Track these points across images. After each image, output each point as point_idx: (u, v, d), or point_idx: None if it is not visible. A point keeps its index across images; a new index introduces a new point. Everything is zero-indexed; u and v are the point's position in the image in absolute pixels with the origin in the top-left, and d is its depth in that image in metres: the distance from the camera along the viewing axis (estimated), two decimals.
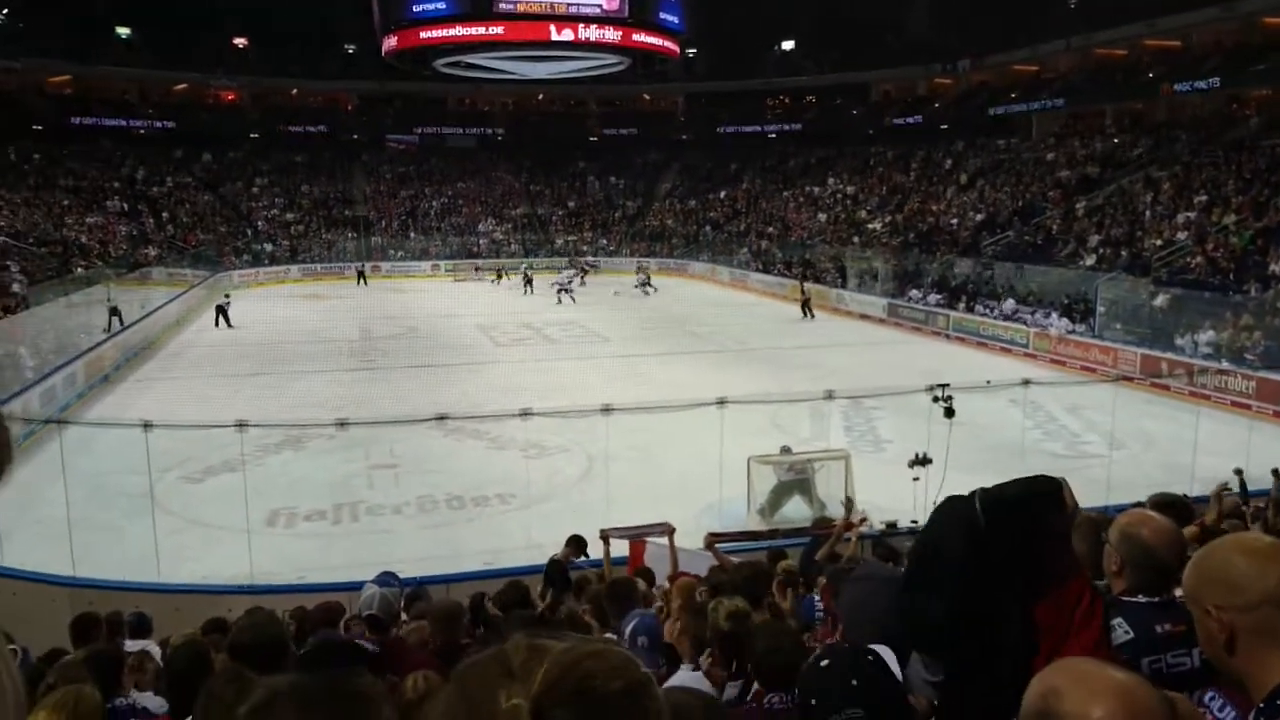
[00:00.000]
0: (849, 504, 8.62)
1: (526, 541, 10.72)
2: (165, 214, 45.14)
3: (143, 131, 48.17)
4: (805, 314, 30.10)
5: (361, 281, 41.29)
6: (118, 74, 47.76)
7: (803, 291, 31.02)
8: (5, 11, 44.27)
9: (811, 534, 8.75)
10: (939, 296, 29.70)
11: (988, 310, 27.26)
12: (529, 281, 37.02)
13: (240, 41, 49.60)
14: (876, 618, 2.24)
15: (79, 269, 31.97)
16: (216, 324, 28.55)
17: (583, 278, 38.72)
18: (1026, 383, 14.26)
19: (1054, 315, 24.75)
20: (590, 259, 45.72)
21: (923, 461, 10.49)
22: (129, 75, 48.03)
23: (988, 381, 14.14)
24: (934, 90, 48.75)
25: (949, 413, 11.26)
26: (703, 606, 3.34)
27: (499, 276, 40.70)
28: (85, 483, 11.85)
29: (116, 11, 46.08)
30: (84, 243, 37.14)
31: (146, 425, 10.35)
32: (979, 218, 35.81)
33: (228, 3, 45.02)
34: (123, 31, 47.61)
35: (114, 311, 25.17)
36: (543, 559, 8.43)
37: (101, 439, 12.79)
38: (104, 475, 12.66)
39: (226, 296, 30.36)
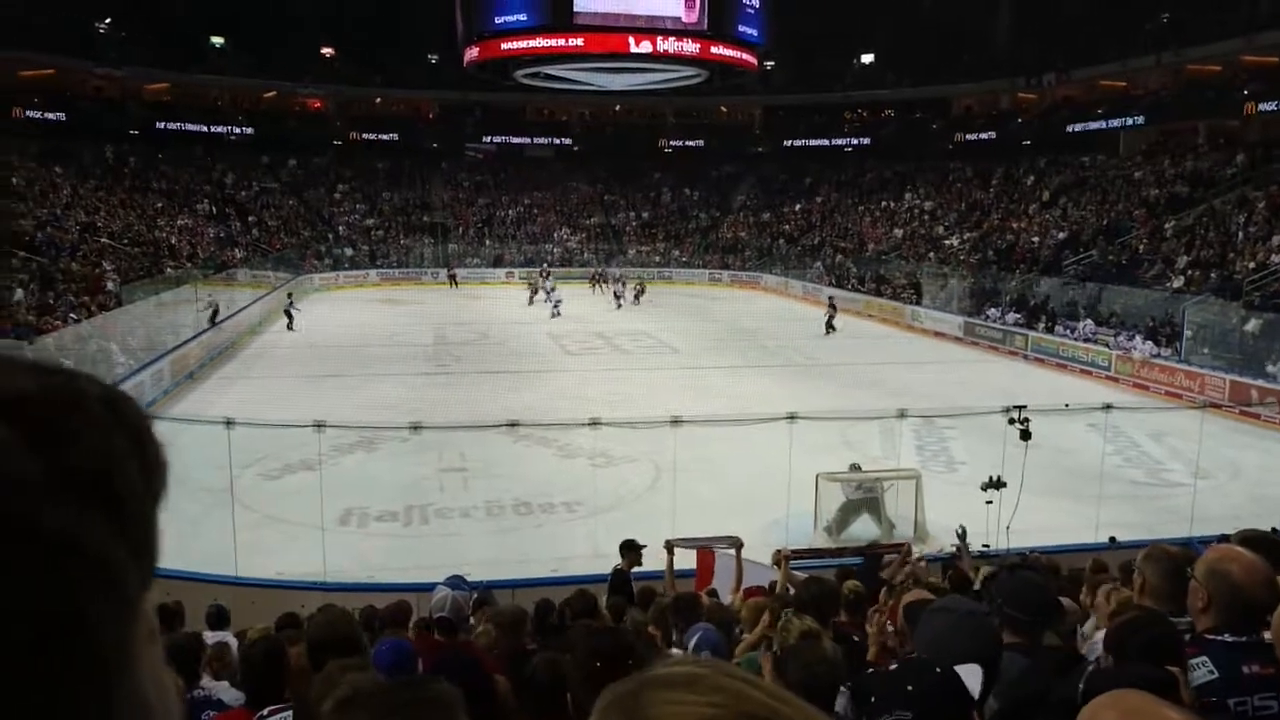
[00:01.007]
0: (963, 534, 8.14)
1: (592, 550, 10.76)
2: (251, 217, 46.56)
3: (232, 137, 49.76)
4: (828, 330, 29.65)
5: (453, 284, 42.73)
6: (210, 82, 49.46)
7: (831, 308, 30.78)
8: (109, 22, 46.19)
9: (868, 553, 8.63)
10: (1017, 316, 29.06)
11: (1068, 331, 26.58)
12: (539, 291, 36.11)
13: (327, 51, 51.00)
14: (958, 651, 2.20)
15: (169, 269, 33.10)
16: (290, 327, 29.35)
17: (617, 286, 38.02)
18: (1108, 407, 13.85)
19: (1137, 338, 24.03)
20: (612, 270, 44.28)
21: (997, 485, 10.25)
22: (221, 83, 49.70)
23: (1066, 405, 13.77)
24: (1017, 105, 47.81)
25: (1025, 435, 11.00)
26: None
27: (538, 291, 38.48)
28: (169, 476, 12.23)
29: (211, 22, 47.79)
30: (174, 244, 38.45)
31: (229, 423, 10.67)
32: (1061, 236, 34.97)
33: (316, 14, 46.33)
34: (216, 41, 49.35)
35: (213, 308, 26.29)
36: (607, 568, 8.48)
37: (186, 434, 13.17)
38: (187, 469, 13.03)
39: (289, 297, 31.24)
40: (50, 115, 41.80)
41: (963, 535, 7.82)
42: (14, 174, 34.21)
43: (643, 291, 37.77)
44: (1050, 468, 13.26)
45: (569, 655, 2.60)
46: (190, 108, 49.26)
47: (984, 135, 47.04)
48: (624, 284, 37.86)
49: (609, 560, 8.68)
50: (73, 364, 14.74)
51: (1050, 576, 5.21)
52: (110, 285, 27.34)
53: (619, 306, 34.21)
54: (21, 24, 31.23)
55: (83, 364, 18.75)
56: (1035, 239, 35.89)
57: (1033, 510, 10.85)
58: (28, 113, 40.76)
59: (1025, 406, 11.30)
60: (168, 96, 49.43)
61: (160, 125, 47.31)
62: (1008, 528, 9.88)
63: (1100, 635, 3.04)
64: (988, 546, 9.51)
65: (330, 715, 1.26)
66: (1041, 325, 27.70)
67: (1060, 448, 14.56)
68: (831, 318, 29.98)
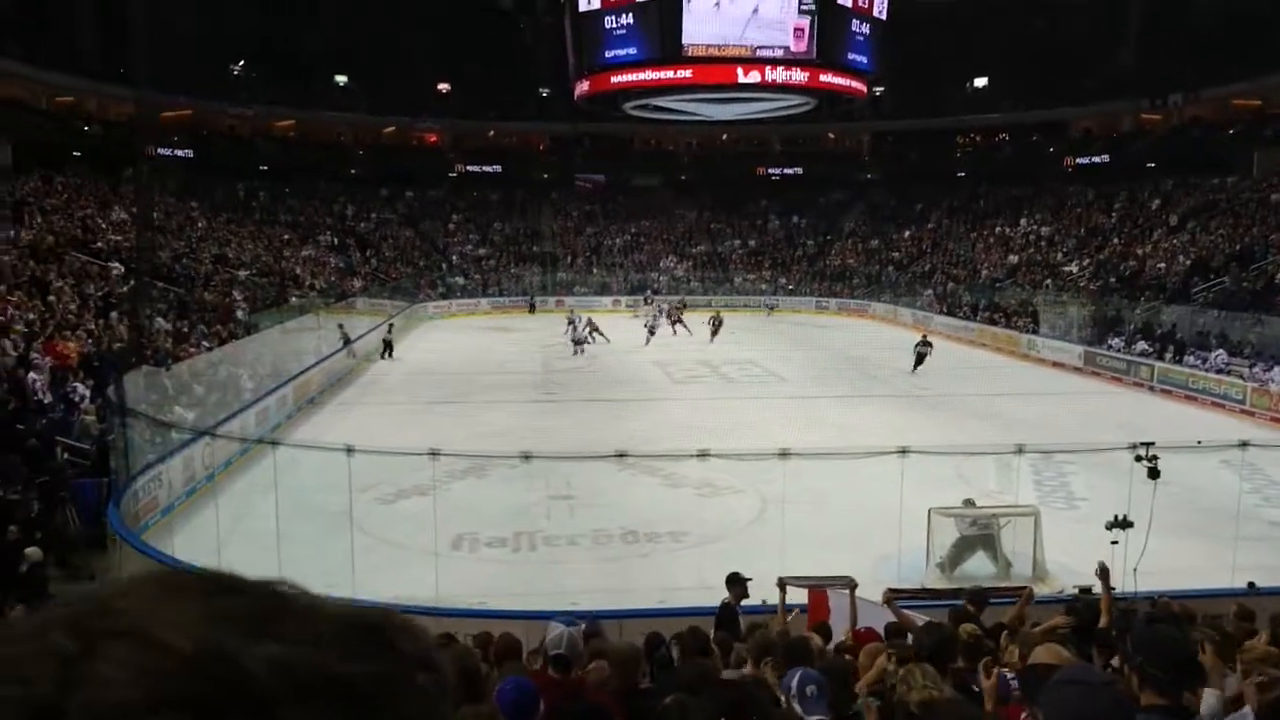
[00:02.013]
0: (1104, 572, 7.64)
1: (698, 582, 10.71)
2: (370, 248, 48.36)
3: (353, 171, 51.86)
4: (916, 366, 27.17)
5: (531, 311, 43.75)
6: (334, 119, 51.74)
7: (926, 344, 27.70)
8: (241, 64, 48.89)
9: (977, 596, 8.33)
10: (1144, 345, 27.82)
11: (1199, 362, 25.30)
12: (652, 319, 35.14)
13: (443, 87, 52.75)
14: None
15: (293, 298, 34.56)
16: (385, 356, 29.74)
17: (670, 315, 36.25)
18: (1244, 444, 13.12)
19: (1276, 369, 22.71)
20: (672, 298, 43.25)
21: (1123, 524, 9.81)
22: (343, 120, 51.95)
23: (1198, 441, 13.10)
24: (1141, 126, 46.05)
25: (1154, 474, 10.51)
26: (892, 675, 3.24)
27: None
28: (291, 498, 12.73)
29: (335, 62, 50.08)
30: (298, 274, 40.17)
31: (349, 450, 11.04)
32: (1189, 262, 33.42)
33: (433, 52, 48.05)
34: (340, 80, 51.66)
35: (344, 333, 27.75)
36: (713, 599, 8.44)
37: (306, 458, 13.73)
38: (308, 492, 13.57)
39: (390, 328, 31.50)
40: (186, 153, 44.25)
41: (1104, 574, 7.42)
42: (155, 209, 36.33)
43: (719, 324, 34.04)
44: (1180, 506, 12.62)
45: (695, 701, 2.60)
46: (314, 144, 51.64)
47: (1105, 158, 45.41)
48: (662, 312, 35.72)
49: (715, 592, 8.64)
50: (204, 390, 15.48)
51: (1186, 626, 4.93)
52: (240, 314, 28.69)
53: (648, 341, 32.40)
54: (165, 69, 33.31)
55: (213, 390, 19.71)
56: (1161, 265, 34.39)
57: (1162, 552, 10.34)
58: (167, 151, 43.24)
59: (1153, 443, 10.80)
60: (293, 133, 51.93)
61: (293, 161, 49.73)
62: (1135, 570, 9.44)
63: (1246, 712, 2.83)
64: (1114, 589, 9.09)
65: None
66: (1169, 355, 26.46)
67: (1191, 485, 13.85)
68: (923, 355, 27.15)
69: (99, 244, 30.38)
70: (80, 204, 34.15)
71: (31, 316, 20.02)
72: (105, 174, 38.81)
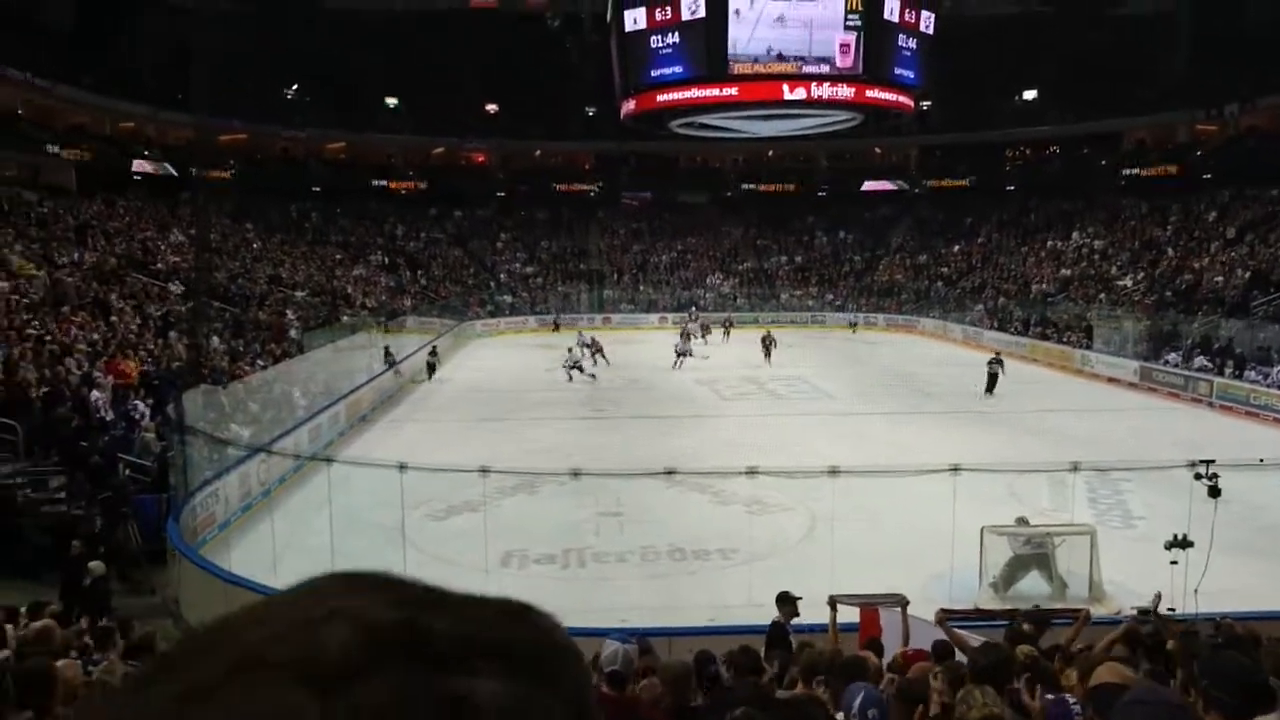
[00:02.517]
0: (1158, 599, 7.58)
1: (747, 599, 10.67)
2: (420, 267, 49.04)
3: (403, 192, 52.67)
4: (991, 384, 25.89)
5: (555, 329, 43.35)
6: (384, 140, 52.64)
7: (997, 362, 26.24)
8: (295, 88, 50.03)
9: (1031, 621, 8.19)
10: (1202, 360, 27.22)
11: (1260, 377, 24.68)
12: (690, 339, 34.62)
13: (491, 108, 53.46)
14: None
15: (345, 317, 35.14)
16: (427, 377, 29.25)
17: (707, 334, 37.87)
18: None
19: None
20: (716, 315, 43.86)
21: (1182, 544, 9.60)
22: (393, 141, 52.83)
23: (1260, 459, 12.79)
24: (1196, 137, 45.17)
25: (1214, 492, 10.28)
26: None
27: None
28: (344, 513, 12.92)
29: (385, 85, 51.03)
30: (349, 293, 40.84)
31: (402, 467, 11.18)
32: (1248, 275, 32.66)
33: (481, 73, 48.76)
34: (390, 102, 52.60)
35: (387, 351, 27.90)
36: (763, 618, 8.39)
37: (359, 475, 13.92)
38: (360, 508, 13.76)
39: (434, 349, 30.87)
40: (241, 175, 45.20)
41: (1155, 604, 7.30)
42: (212, 231, 37.21)
43: (772, 344, 33.12)
44: (1242, 526, 12.32)
45: (762, 716, 2.61)
46: (365, 165, 52.58)
47: (1159, 170, 44.60)
48: (696, 333, 36.40)
49: (764, 610, 8.59)
50: (259, 408, 15.80)
51: (1251, 648, 4.82)
52: (293, 333, 29.23)
53: (677, 364, 31.35)
54: (221, 94, 34.25)
55: (268, 407, 20.08)
56: (1219, 278, 33.66)
57: (1223, 572, 10.10)
58: (222, 173, 44.25)
59: (1213, 461, 10.57)
60: (344, 155, 52.94)
61: (344, 182, 50.70)
62: (1196, 590, 9.23)
63: None
64: (1173, 610, 8.89)
65: None
66: (1229, 371, 25.85)
67: (1253, 504, 13.50)
68: (995, 375, 25.76)
69: (158, 265, 31.18)
70: (140, 226, 35.10)
71: (95, 336, 20.60)
72: (164, 197, 39.89)
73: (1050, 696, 3.57)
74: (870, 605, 8.09)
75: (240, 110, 43.22)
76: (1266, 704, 2.59)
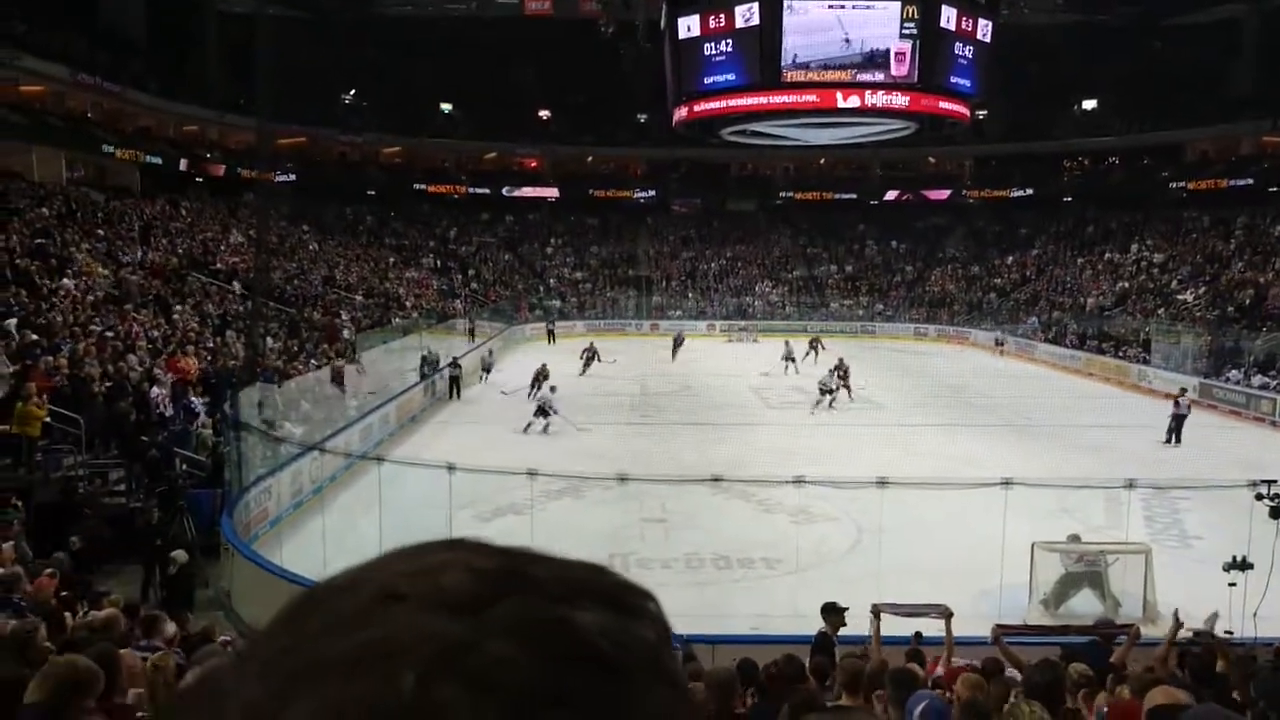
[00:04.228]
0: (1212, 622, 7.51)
1: (792, 610, 10.60)
2: (471, 271, 49.53)
3: (456, 196, 53.27)
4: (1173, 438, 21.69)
5: (551, 340, 41.44)
6: (438, 145, 53.31)
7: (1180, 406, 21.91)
8: (352, 93, 50.89)
9: (1100, 633, 8.07)
10: (1265, 378, 26.52)
11: None
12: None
13: (544, 114, 53.87)
14: None
15: (397, 319, 35.60)
16: (451, 395, 26.98)
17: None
18: None
19: None
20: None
21: (1242, 565, 9.37)
22: (448, 146, 53.46)
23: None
24: (1262, 149, 44.02)
25: (1276, 513, 10.02)
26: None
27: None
28: (393, 512, 13.09)
29: (442, 91, 51.69)
30: (401, 295, 41.37)
31: (450, 468, 11.30)
32: None
33: (535, 80, 49.19)
34: (446, 107, 53.27)
35: (425, 360, 27.29)
36: (807, 628, 8.35)
37: (408, 475, 14.09)
38: (409, 508, 13.91)
39: (457, 366, 27.74)
40: (299, 178, 46.00)
41: (1211, 624, 7.18)
42: (270, 232, 37.95)
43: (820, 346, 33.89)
44: None
45: None
46: (420, 169, 53.30)
47: (1224, 182, 43.55)
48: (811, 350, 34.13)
49: (809, 620, 8.54)
50: (311, 406, 16.07)
51: None
52: (346, 334, 29.67)
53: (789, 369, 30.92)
54: (281, 99, 34.94)
55: (319, 407, 20.42)
56: None
57: None
58: (281, 176, 45.12)
59: (1275, 481, 10.31)
60: (400, 159, 53.71)
61: (401, 186, 51.44)
62: (1255, 614, 9.00)
63: None
64: (1231, 633, 8.67)
65: None
66: None
67: None
68: (1181, 420, 21.33)
69: (218, 265, 31.87)
70: (201, 227, 35.90)
71: (155, 334, 21.12)
72: (225, 198, 40.78)
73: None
74: (913, 616, 8.02)
75: (300, 115, 44.04)
76: None
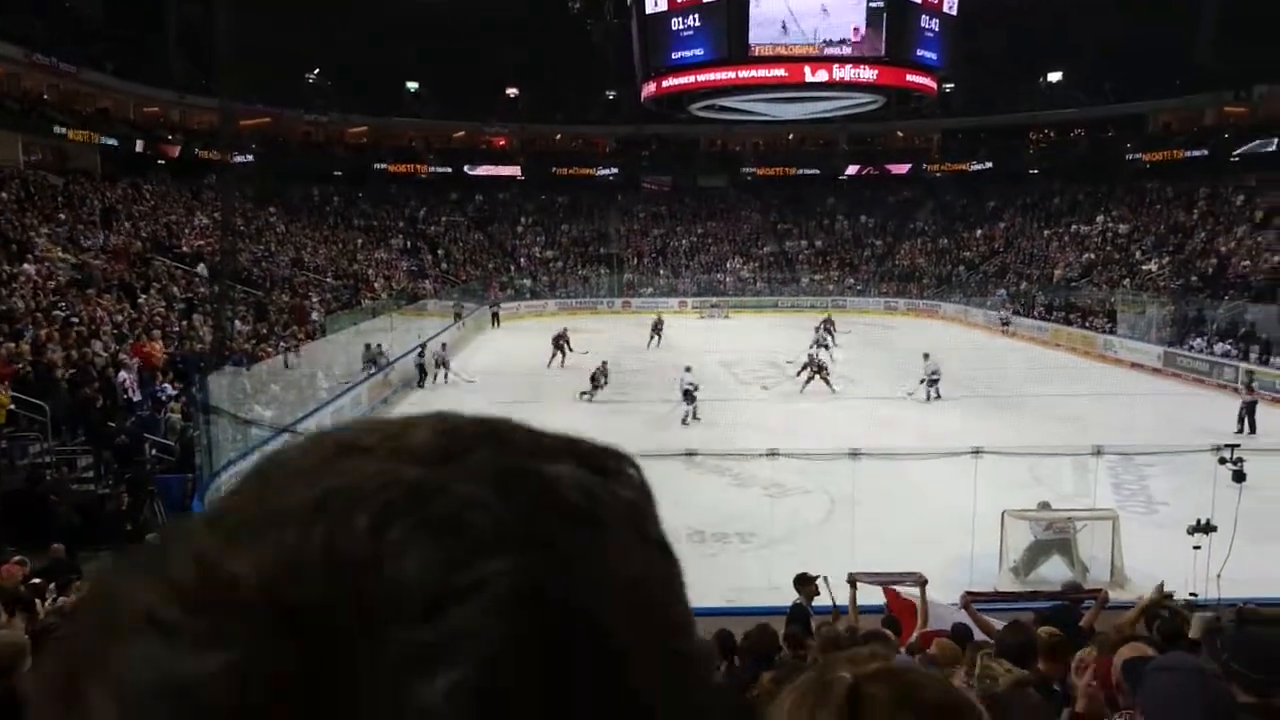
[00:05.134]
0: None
1: (767, 582, 10.71)
2: (440, 251, 49.20)
3: (424, 175, 52.80)
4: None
5: (495, 323, 40.22)
6: (405, 124, 52.77)
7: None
8: (317, 72, 50.20)
9: (1069, 598, 8.21)
10: (1226, 346, 26.97)
11: None
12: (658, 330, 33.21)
13: (511, 91, 53.44)
14: (1189, 711, 2.10)
15: (366, 300, 35.32)
16: (420, 383, 26.00)
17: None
18: None
19: None
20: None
21: (1205, 529, 9.57)
22: (415, 125, 52.95)
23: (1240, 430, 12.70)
24: (1223, 119, 44.55)
25: (1239, 476, 10.23)
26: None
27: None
28: None
29: (407, 69, 51.10)
30: (370, 276, 41.03)
31: None
32: (1276, 259, 32.27)
33: (502, 57, 48.71)
34: (412, 86, 52.69)
35: (368, 350, 25.11)
36: (782, 600, 8.43)
37: None
38: None
39: (422, 354, 26.55)
40: (264, 159, 45.37)
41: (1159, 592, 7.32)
42: (235, 215, 37.46)
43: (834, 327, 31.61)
44: (1268, 512, 12.21)
45: None
46: (387, 149, 52.75)
47: (1186, 153, 44.07)
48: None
49: (782, 592, 8.63)
50: (281, 389, 15.91)
51: (1276, 629, 4.79)
52: (315, 316, 29.40)
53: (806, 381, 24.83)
54: (244, 79, 34.38)
55: (289, 389, 20.25)
56: (1246, 263, 33.28)
57: (1248, 558, 10.04)
58: (245, 157, 44.51)
59: (1238, 445, 10.51)
60: (367, 139, 53.12)
61: (367, 166, 50.88)
62: (1219, 576, 9.20)
63: None
64: (1195, 595, 8.87)
65: None
66: (1255, 356, 25.60)
67: (1278, 490, 13.39)
68: (1252, 406, 19.92)
69: (183, 248, 31.44)
70: (165, 210, 35.38)
71: (120, 319, 20.82)
72: (189, 180, 40.18)
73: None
74: (888, 584, 8.13)
75: (264, 95, 43.40)
76: None
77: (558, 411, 21.65)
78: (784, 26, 25.58)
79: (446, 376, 26.08)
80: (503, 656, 0.35)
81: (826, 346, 28.63)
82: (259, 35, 36.02)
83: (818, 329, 31.11)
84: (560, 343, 29.16)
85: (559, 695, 0.36)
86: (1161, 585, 6.75)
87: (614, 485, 0.45)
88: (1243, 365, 25.22)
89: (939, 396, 22.88)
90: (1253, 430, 19.30)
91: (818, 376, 24.19)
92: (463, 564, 0.37)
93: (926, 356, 23.41)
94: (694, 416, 20.85)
